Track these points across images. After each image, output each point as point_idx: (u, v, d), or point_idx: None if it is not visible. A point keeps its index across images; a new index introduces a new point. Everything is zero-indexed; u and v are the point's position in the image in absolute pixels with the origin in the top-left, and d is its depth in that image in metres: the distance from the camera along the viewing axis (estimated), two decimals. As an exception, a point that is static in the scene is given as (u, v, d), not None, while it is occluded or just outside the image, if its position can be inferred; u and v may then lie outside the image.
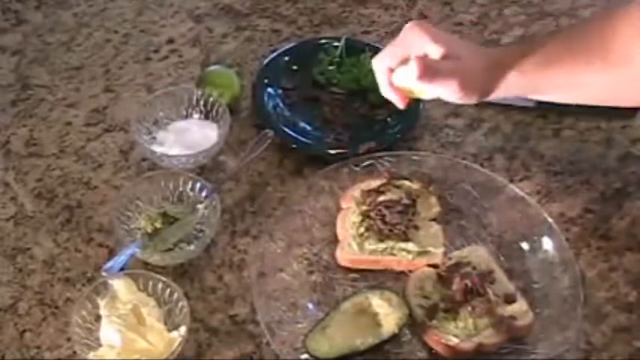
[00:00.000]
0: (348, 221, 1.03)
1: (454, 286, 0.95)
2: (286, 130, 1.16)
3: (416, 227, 1.01)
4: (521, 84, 0.95)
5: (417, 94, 0.96)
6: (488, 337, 0.92)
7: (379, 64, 0.97)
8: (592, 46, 0.92)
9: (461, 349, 0.92)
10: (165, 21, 1.35)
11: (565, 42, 0.95)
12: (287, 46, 1.27)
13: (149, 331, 0.92)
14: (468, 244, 1.03)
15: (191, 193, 1.06)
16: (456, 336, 0.92)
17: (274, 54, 1.26)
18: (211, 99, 1.15)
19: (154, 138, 1.14)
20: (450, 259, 1.00)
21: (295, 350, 0.93)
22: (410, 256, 1.00)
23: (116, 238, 1.04)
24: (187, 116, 1.16)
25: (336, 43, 1.26)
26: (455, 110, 1.20)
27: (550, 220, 1.02)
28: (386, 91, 0.97)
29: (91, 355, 0.91)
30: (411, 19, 1.33)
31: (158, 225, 1.04)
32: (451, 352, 0.92)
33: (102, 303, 0.94)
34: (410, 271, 0.99)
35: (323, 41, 1.27)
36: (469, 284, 0.95)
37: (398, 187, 1.05)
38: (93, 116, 1.20)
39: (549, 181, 1.11)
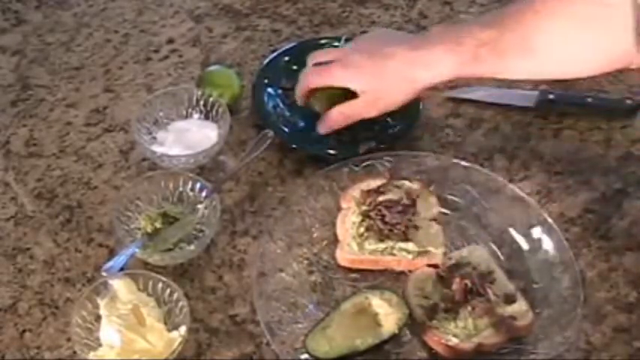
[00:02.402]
0: (348, 221, 1.03)
1: (454, 286, 0.95)
2: (286, 130, 1.16)
3: (416, 227, 1.01)
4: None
5: None
6: (488, 337, 0.92)
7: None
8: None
9: (461, 349, 0.92)
10: (165, 21, 1.35)
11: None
12: (287, 46, 1.27)
13: (149, 331, 0.92)
14: (468, 243, 1.03)
15: (191, 193, 1.06)
16: (455, 336, 0.92)
17: (274, 54, 1.26)
18: (211, 99, 1.15)
19: (154, 138, 1.14)
20: (449, 259, 0.99)
21: (295, 350, 0.93)
22: (410, 256, 1.00)
23: (116, 238, 1.04)
24: (187, 116, 1.16)
25: (336, 43, 1.25)
26: (455, 110, 1.21)
27: (550, 220, 1.02)
28: None
29: (91, 355, 0.91)
30: (410, 20, 1.35)
31: (158, 225, 1.04)
32: (451, 352, 0.92)
33: (102, 303, 0.94)
34: (410, 271, 0.99)
35: (323, 41, 1.27)
36: (469, 284, 0.95)
37: (398, 187, 1.05)
38: (93, 116, 1.20)
39: (549, 181, 1.11)
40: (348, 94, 1.07)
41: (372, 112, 1.07)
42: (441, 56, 1.01)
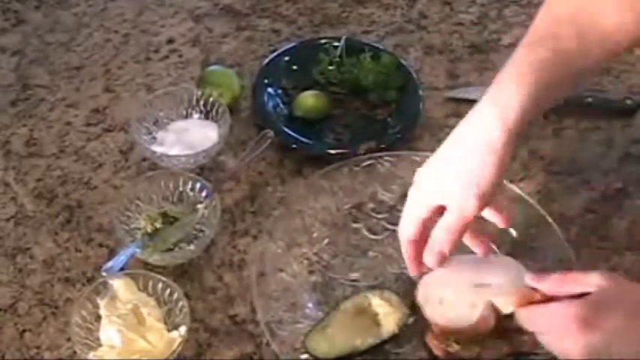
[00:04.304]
0: None
1: None
2: (286, 130, 1.16)
3: None
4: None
5: None
6: (491, 347, 0.91)
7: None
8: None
9: (460, 356, 0.91)
10: (165, 21, 1.35)
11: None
12: (287, 46, 1.27)
13: (149, 331, 0.92)
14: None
15: (191, 193, 1.06)
16: (457, 342, 0.91)
17: (274, 54, 1.26)
18: (211, 99, 1.15)
19: (154, 138, 1.14)
20: None
21: (295, 350, 0.92)
22: None
23: (116, 238, 1.04)
24: (187, 116, 1.16)
25: (336, 43, 1.26)
26: (455, 110, 1.21)
27: (550, 220, 1.02)
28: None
29: (91, 355, 0.91)
30: (410, 20, 1.35)
31: (158, 225, 1.04)
32: (450, 357, 0.91)
33: (102, 303, 0.94)
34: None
35: (323, 41, 1.27)
36: None
37: None
38: (93, 116, 1.20)
39: (549, 181, 1.11)
40: None
41: None
42: None
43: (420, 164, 1.08)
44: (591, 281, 0.81)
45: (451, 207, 0.87)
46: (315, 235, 1.04)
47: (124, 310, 0.93)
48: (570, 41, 0.89)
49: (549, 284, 0.84)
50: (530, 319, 0.83)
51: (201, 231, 1.04)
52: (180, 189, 1.07)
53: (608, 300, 0.79)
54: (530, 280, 0.85)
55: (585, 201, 1.09)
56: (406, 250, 0.92)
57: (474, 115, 0.90)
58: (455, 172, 0.88)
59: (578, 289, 0.81)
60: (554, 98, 0.92)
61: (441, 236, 0.87)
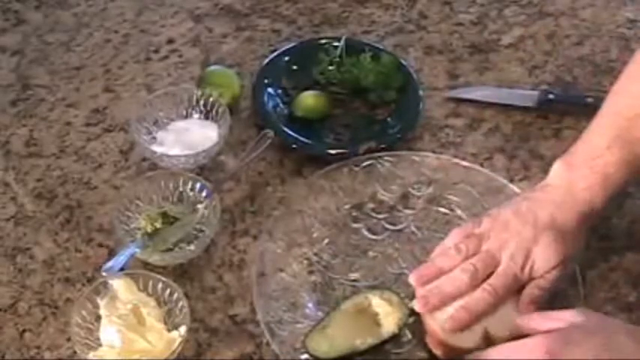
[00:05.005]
0: None
1: None
2: (286, 130, 1.16)
3: None
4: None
5: None
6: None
7: None
8: None
9: (460, 356, 0.91)
10: (165, 21, 1.35)
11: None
12: (287, 46, 1.27)
13: (149, 331, 0.92)
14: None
15: (191, 193, 1.06)
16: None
17: (274, 54, 1.26)
18: (211, 99, 1.15)
19: (154, 138, 1.14)
20: None
21: (295, 350, 0.93)
22: None
23: (116, 238, 1.04)
24: (187, 116, 1.16)
25: (336, 43, 1.26)
26: (455, 110, 1.21)
27: (550, 220, 1.02)
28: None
29: (91, 355, 0.91)
30: (410, 20, 1.35)
31: (158, 225, 1.04)
32: (450, 356, 0.91)
33: (102, 303, 0.94)
34: None
35: (323, 41, 1.27)
36: None
37: None
38: (93, 116, 1.20)
39: (549, 181, 1.11)
40: None
41: None
42: None
43: (420, 164, 1.09)
44: (567, 318, 0.84)
45: (506, 271, 0.90)
46: (315, 235, 1.04)
47: (124, 310, 0.93)
48: None
49: (535, 323, 0.86)
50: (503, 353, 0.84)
51: (201, 231, 1.04)
52: (180, 189, 1.07)
53: (578, 335, 0.81)
54: (521, 322, 0.87)
55: (585, 201, 1.09)
56: (427, 275, 0.92)
57: (553, 196, 0.94)
58: (520, 239, 0.91)
59: (559, 325, 0.83)
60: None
61: (485, 299, 0.89)
